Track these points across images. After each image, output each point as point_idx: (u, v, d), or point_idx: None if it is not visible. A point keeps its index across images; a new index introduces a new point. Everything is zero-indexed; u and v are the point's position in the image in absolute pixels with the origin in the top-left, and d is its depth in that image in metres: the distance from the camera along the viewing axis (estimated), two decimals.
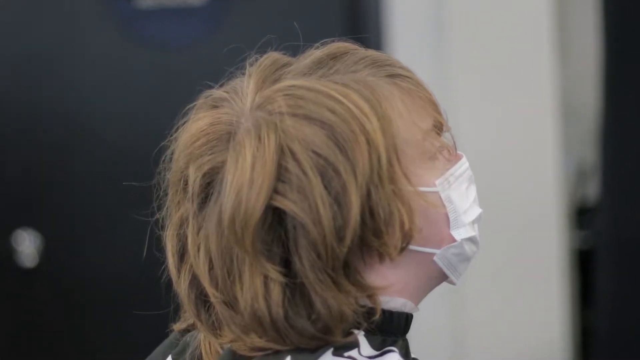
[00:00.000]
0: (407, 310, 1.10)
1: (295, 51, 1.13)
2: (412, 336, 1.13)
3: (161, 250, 1.12)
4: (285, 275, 1.02)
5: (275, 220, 1.02)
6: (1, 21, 2.96)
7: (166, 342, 1.19)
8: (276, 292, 1.02)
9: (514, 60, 2.94)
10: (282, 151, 1.02)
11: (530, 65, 2.95)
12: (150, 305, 1.22)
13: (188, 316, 1.13)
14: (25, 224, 2.96)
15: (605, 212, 2.74)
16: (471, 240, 1.12)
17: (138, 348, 1.65)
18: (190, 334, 1.15)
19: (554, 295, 2.95)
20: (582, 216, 3.27)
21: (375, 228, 1.03)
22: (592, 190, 3.17)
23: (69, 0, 2.97)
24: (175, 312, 1.16)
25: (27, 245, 2.95)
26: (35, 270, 2.95)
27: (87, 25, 2.97)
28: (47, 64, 2.97)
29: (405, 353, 1.09)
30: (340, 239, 1.01)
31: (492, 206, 2.84)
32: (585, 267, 3.06)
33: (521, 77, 2.94)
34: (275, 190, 1.02)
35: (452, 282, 1.15)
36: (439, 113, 1.12)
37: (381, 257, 1.06)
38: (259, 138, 1.03)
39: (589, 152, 3.29)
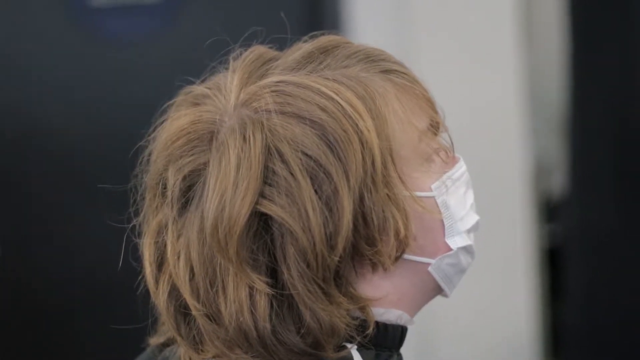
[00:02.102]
0: (402, 323, 1.04)
1: (282, 45, 1.06)
2: None
3: (137, 259, 1.04)
4: (272, 286, 0.95)
5: (261, 226, 0.95)
6: None
7: (142, 357, 1.12)
8: (262, 305, 0.94)
9: (478, 51, 2.89)
10: (269, 152, 0.95)
11: (495, 56, 2.91)
12: (122, 316, 1.15)
13: (166, 329, 1.06)
14: None
15: (573, 205, 2.71)
16: (467, 250, 1.06)
17: None
18: (169, 348, 1.08)
19: (522, 289, 2.92)
20: (549, 209, 3.25)
21: (368, 235, 0.97)
22: (559, 183, 3.15)
23: None
24: (153, 325, 1.08)
25: None
26: None
27: (39, 22, 2.88)
28: (2, 63, 2.86)
29: None
30: (331, 247, 0.94)
31: None
32: (554, 261, 3.04)
33: (485, 67, 2.90)
34: (262, 195, 0.95)
35: (445, 295, 1.08)
36: (436, 112, 1.06)
37: (374, 266, 0.99)
38: (244, 138, 0.95)
39: (556, 143, 3.27)
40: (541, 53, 3.29)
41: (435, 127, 1.05)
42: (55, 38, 2.87)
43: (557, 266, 2.96)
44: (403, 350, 1.06)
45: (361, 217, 0.96)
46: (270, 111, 0.96)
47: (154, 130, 1.05)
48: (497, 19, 2.91)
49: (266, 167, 0.95)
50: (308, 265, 0.94)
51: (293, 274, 0.94)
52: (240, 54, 1.04)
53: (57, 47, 2.87)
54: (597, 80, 2.68)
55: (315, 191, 0.94)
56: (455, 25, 2.89)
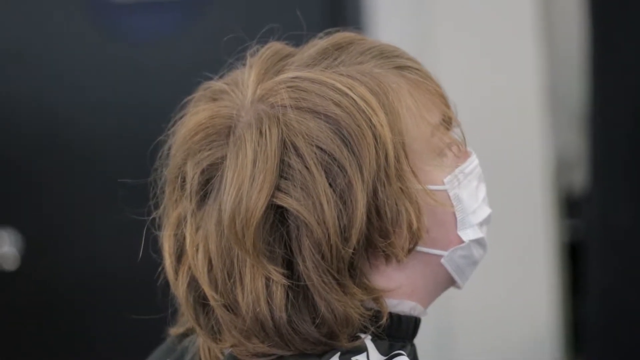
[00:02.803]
0: (415, 314, 1.06)
1: (298, 41, 1.08)
2: None
3: (157, 251, 1.07)
4: (288, 277, 0.97)
5: (277, 219, 0.98)
6: None
7: (163, 347, 1.14)
8: (279, 295, 0.97)
9: (499, 47, 2.91)
10: (285, 146, 0.97)
11: (515, 52, 2.92)
12: (142, 307, 1.17)
13: (186, 320, 1.09)
14: (4, 223, 2.91)
15: (594, 201, 2.70)
16: (479, 242, 1.08)
17: (128, 353, 1.59)
18: (188, 338, 1.11)
19: (543, 285, 2.93)
20: (570, 205, 3.26)
21: (382, 228, 0.99)
22: (580, 179, 3.16)
23: None
24: (172, 315, 1.11)
25: (8, 247, 2.91)
26: (16, 273, 2.90)
27: (62, 20, 2.91)
28: (23, 60, 2.90)
29: (413, 359, 1.05)
30: (345, 239, 0.97)
31: None
32: (575, 256, 3.04)
33: (506, 64, 2.91)
34: (278, 188, 0.97)
35: (458, 287, 1.10)
36: (448, 107, 1.08)
37: (387, 258, 1.01)
38: (261, 132, 0.98)
39: (576, 140, 3.28)
40: (561, 48, 3.30)
41: (447, 122, 1.07)
42: (77, 35, 2.90)
43: (578, 261, 2.98)
44: (422, 343, 1.08)
45: (375, 210, 0.98)
46: (285, 106, 0.99)
47: (173, 125, 1.08)
48: (518, 15, 2.93)
49: (282, 161, 0.97)
50: (323, 257, 0.96)
51: (308, 265, 0.96)
52: (258, 51, 1.07)
53: (79, 44, 2.89)
54: (616, 76, 2.69)
55: (330, 184, 0.96)
56: (475, 21, 2.90)
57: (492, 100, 2.91)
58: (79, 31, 2.90)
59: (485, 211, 1.09)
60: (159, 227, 1.07)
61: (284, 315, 0.97)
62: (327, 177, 0.96)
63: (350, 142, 0.97)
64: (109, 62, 2.90)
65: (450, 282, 1.08)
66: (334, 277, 0.97)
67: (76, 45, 2.90)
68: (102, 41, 2.89)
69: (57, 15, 2.90)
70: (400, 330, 1.04)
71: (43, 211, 2.92)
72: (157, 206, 1.08)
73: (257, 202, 0.96)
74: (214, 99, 1.05)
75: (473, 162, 1.09)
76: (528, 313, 2.94)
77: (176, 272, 1.04)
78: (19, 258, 2.89)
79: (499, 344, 2.94)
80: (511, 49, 2.92)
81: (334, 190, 0.96)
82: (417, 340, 1.07)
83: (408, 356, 1.01)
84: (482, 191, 1.10)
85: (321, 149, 0.97)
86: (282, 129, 0.98)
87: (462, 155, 1.08)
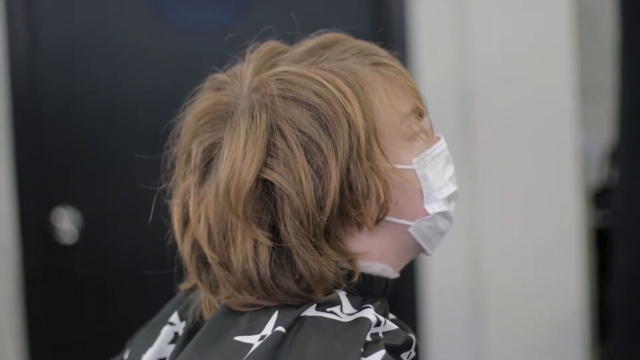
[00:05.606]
0: (386, 275, 1.22)
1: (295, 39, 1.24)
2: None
3: (168, 217, 1.24)
4: (272, 240, 1.13)
5: (264, 190, 1.14)
6: (44, 13, 3.06)
7: (174, 300, 1.32)
8: (264, 255, 1.13)
9: (532, 47, 3.00)
10: (272, 129, 1.14)
11: (548, 47, 3.00)
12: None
13: (191, 277, 1.26)
14: (65, 202, 3.07)
15: (622, 192, 2.75)
16: (444, 215, 1.23)
17: None
18: (194, 292, 1.28)
19: (573, 271, 3.03)
20: (601, 196, 3.33)
21: (353, 200, 1.14)
22: (612, 170, 3.22)
23: None
24: (182, 274, 1.27)
25: (67, 223, 3.07)
26: (74, 246, 3.07)
27: (120, 12, 3.05)
28: (86, 50, 3.06)
29: (384, 313, 1.20)
30: (320, 208, 1.12)
31: (515, 190, 2.94)
32: (604, 244, 3.12)
33: (539, 62, 3.01)
34: (265, 164, 1.13)
35: (426, 253, 1.26)
36: (419, 99, 1.23)
37: (359, 226, 1.17)
38: (252, 117, 1.14)
39: (609, 132, 3.34)
40: (594, 45, 3.37)
41: (418, 112, 1.23)
42: (133, 26, 3.04)
43: (608, 250, 3.04)
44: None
45: (347, 184, 1.14)
46: (274, 95, 1.15)
47: (183, 109, 1.25)
48: (553, 15, 3.01)
49: (269, 142, 1.13)
50: (301, 223, 1.12)
51: (289, 230, 1.13)
52: (257, 47, 1.24)
53: (139, 34, 3.04)
54: None
55: (308, 162, 1.12)
56: (507, 22, 3.00)
57: (529, 101, 2.99)
58: (136, 21, 3.04)
59: (451, 188, 1.24)
60: (170, 197, 1.25)
61: (268, 271, 1.13)
62: (306, 156, 1.12)
63: (327, 127, 1.13)
64: (169, 52, 3.03)
65: (419, 249, 1.24)
66: (310, 241, 1.13)
67: (133, 34, 3.04)
68: (162, 33, 3.02)
69: (117, 7, 3.04)
70: (372, 288, 1.20)
71: (99, 192, 3.09)
72: (168, 179, 1.26)
73: (248, 176, 1.13)
74: (218, 89, 1.22)
75: (441, 146, 1.24)
76: (558, 295, 3.05)
77: (182, 235, 1.22)
78: (77, 233, 3.07)
79: (530, 324, 3.04)
80: (545, 45, 3.00)
81: (311, 167, 1.12)
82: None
83: (377, 310, 1.17)
84: (449, 171, 1.25)
85: (302, 131, 1.13)
86: (270, 115, 1.14)
87: (431, 140, 1.23)
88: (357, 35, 1.25)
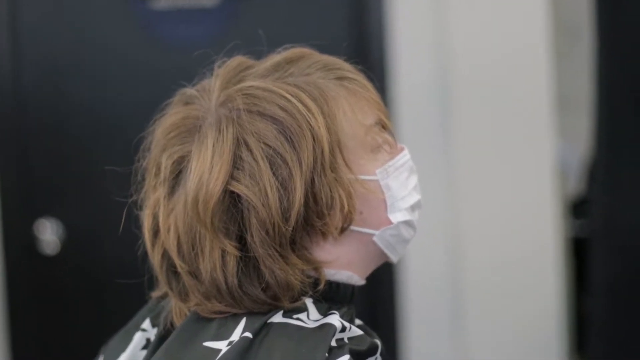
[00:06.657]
0: (352, 282, 1.25)
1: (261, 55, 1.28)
2: None
3: (139, 227, 1.28)
4: (239, 250, 1.17)
5: (231, 202, 1.17)
6: (29, 26, 3.09)
7: (146, 307, 1.35)
8: (231, 264, 1.17)
9: (511, 58, 3.03)
10: (238, 142, 1.17)
11: (527, 58, 3.04)
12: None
13: (162, 286, 1.29)
14: (47, 213, 3.09)
15: (599, 202, 2.77)
16: (408, 223, 1.26)
17: None
18: (165, 300, 1.31)
19: (550, 280, 3.05)
20: (579, 206, 3.35)
21: (318, 210, 1.18)
22: (589, 180, 3.24)
23: (90, 3, 3.09)
24: (152, 282, 1.31)
25: (49, 234, 3.09)
26: (56, 257, 3.09)
27: (106, 26, 3.08)
28: (71, 63, 3.08)
29: (350, 319, 1.23)
30: (286, 219, 1.16)
31: (493, 199, 2.96)
32: (581, 254, 3.14)
33: (517, 72, 3.04)
34: (232, 176, 1.16)
35: (391, 261, 1.29)
36: (383, 112, 1.27)
37: (324, 235, 1.21)
38: (219, 131, 1.18)
39: (585, 143, 3.37)
40: (572, 56, 3.40)
41: (382, 124, 1.26)
42: (118, 40, 3.06)
43: (584, 258, 3.07)
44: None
45: (312, 195, 1.17)
46: (240, 110, 1.18)
47: (153, 123, 1.29)
48: (532, 26, 3.04)
49: (235, 155, 1.17)
50: (267, 233, 1.16)
51: (255, 240, 1.16)
52: (224, 63, 1.28)
53: (123, 48, 3.06)
54: (624, 83, 2.73)
55: (274, 174, 1.16)
56: (486, 32, 3.03)
57: (505, 111, 3.02)
58: (120, 36, 3.06)
59: (415, 197, 1.28)
60: (141, 208, 1.28)
61: (235, 280, 1.17)
62: (271, 168, 1.16)
63: (292, 140, 1.16)
64: (152, 66, 3.05)
65: (383, 256, 1.28)
66: (276, 250, 1.16)
67: (117, 49, 3.06)
68: (144, 46, 3.04)
69: (102, 22, 3.06)
70: (338, 295, 1.23)
71: (82, 204, 3.10)
72: (138, 191, 1.29)
73: (215, 188, 1.16)
74: (187, 103, 1.26)
75: (404, 157, 1.27)
76: (536, 301, 3.07)
77: (153, 245, 1.26)
78: (59, 245, 3.09)
79: (508, 335, 3.07)
80: (523, 57, 3.04)
81: (277, 179, 1.16)
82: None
83: (343, 317, 1.20)
84: (413, 181, 1.28)
85: (267, 145, 1.16)
86: (236, 128, 1.17)
87: (395, 151, 1.27)
88: (336, 43, 1.28)
